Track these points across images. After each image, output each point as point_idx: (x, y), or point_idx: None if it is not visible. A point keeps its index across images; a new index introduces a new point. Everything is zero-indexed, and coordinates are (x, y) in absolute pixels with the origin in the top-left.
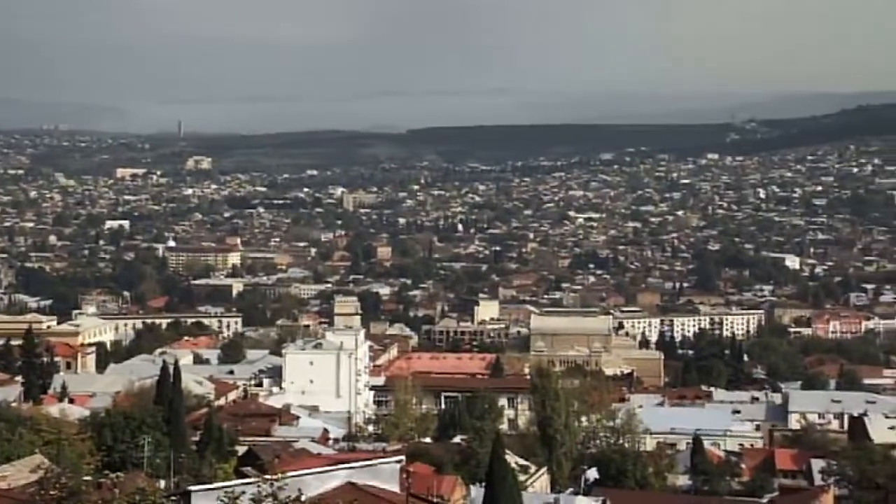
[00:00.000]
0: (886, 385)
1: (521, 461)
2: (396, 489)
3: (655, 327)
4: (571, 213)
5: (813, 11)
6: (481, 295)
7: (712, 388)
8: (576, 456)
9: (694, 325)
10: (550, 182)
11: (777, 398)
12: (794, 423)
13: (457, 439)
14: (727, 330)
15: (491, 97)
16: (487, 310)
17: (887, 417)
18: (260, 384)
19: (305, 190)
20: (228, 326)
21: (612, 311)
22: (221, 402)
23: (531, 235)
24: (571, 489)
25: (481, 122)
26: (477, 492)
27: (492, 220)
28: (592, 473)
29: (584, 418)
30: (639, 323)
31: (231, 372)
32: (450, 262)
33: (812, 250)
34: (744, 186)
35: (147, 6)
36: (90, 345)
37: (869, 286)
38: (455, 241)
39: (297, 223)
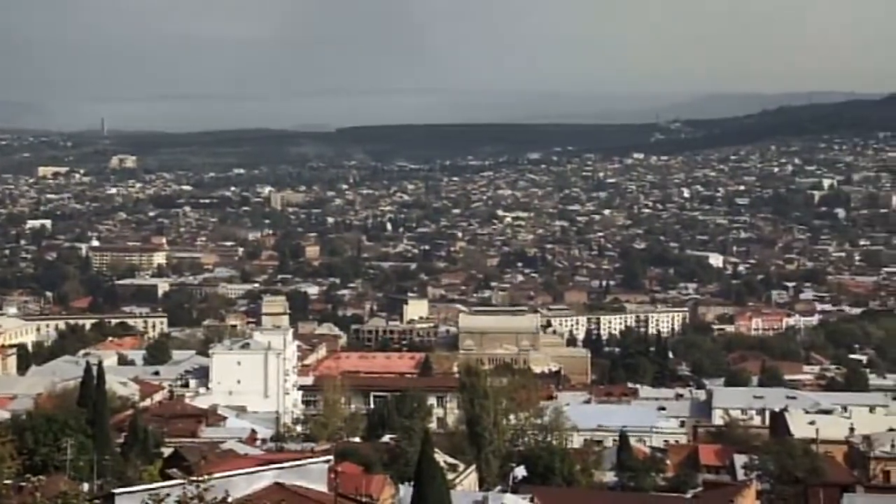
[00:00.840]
0: (806, 381)
1: (450, 460)
2: (325, 489)
3: (582, 325)
4: (500, 213)
5: (736, 12)
6: (410, 294)
7: (638, 386)
8: (504, 454)
9: (620, 323)
10: (479, 181)
11: (701, 395)
12: (718, 418)
13: (386, 438)
14: (653, 327)
15: (419, 96)
16: (416, 309)
17: (807, 413)
18: (186, 385)
19: (232, 189)
20: (154, 327)
21: (539, 309)
22: (147, 403)
23: (460, 234)
24: (500, 487)
25: (409, 122)
26: (406, 491)
27: (420, 220)
28: (520, 471)
29: (512, 416)
30: (566, 321)
31: (156, 373)
32: (379, 261)
33: (735, 249)
34: (668, 186)
35: (70, 2)
36: (11, 346)
37: (790, 284)
38: (384, 241)
39: (224, 222)
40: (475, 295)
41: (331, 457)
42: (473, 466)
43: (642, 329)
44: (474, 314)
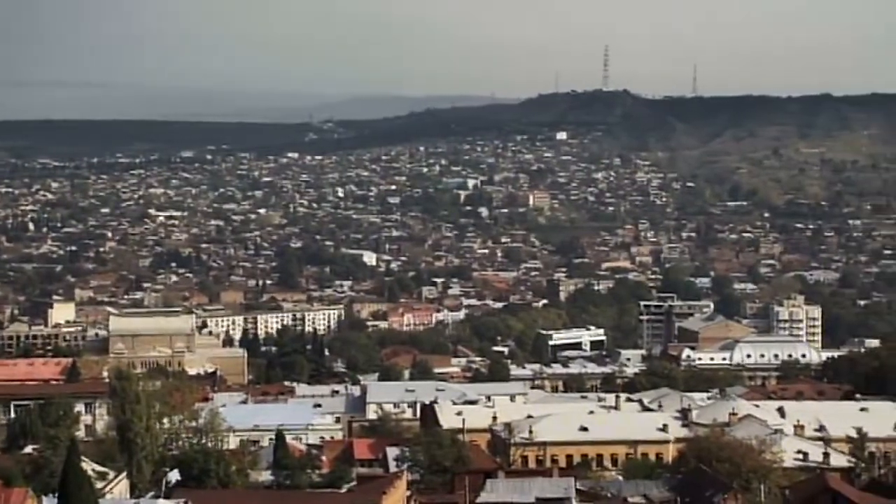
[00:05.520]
0: (454, 373)
1: (99, 468)
2: None
3: (239, 325)
4: (152, 212)
5: (378, 14)
6: (55, 297)
7: (295, 384)
8: (157, 459)
9: (277, 322)
10: (129, 179)
11: (356, 390)
12: (372, 413)
13: (28, 449)
14: (309, 325)
15: (62, 90)
16: (62, 312)
17: (454, 404)
18: None
19: None
20: None
21: (195, 310)
22: None
23: (109, 234)
24: (152, 493)
25: (52, 116)
26: (50, 503)
27: (66, 219)
28: (174, 475)
29: (166, 420)
30: (222, 321)
31: None
32: (20, 262)
33: (387, 247)
34: (323, 185)
35: None
36: None
37: (438, 280)
38: (26, 241)
39: None
40: (126, 296)
41: None
42: (125, 473)
43: (299, 327)
44: (125, 316)
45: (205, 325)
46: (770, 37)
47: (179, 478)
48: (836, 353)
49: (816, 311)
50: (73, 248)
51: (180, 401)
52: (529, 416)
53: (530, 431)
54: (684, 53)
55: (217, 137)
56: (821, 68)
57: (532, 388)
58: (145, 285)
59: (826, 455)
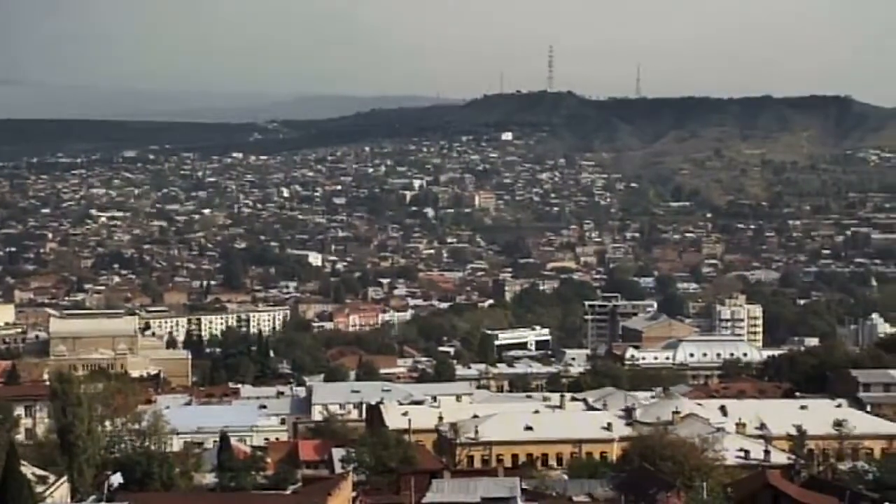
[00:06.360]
0: (400, 373)
1: (40, 471)
2: None
3: (183, 326)
4: (94, 212)
5: (321, 14)
6: None
7: (240, 385)
8: (99, 462)
9: (222, 323)
10: (70, 179)
11: (302, 391)
12: (318, 414)
13: None
14: (254, 326)
15: (2, 88)
16: (2, 314)
17: (400, 404)
18: None
19: None
20: None
21: (138, 311)
22: None
23: (50, 235)
24: (94, 497)
25: None
26: None
27: (5, 220)
28: (117, 478)
29: (108, 423)
30: (166, 323)
31: None
32: None
33: (333, 247)
34: (268, 185)
35: None
36: None
37: (384, 280)
38: None
39: None
40: (67, 298)
41: None
42: (66, 477)
43: (244, 328)
44: (66, 318)
45: (148, 326)
46: (712, 39)
47: (122, 481)
48: (776, 352)
49: (757, 311)
50: (13, 248)
51: (123, 403)
52: (475, 416)
53: (476, 431)
54: (628, 55)
55: (160, 137)
56: (761, 70)
57: (478, 388)
58: (87, 286)
59: (767, 453)
